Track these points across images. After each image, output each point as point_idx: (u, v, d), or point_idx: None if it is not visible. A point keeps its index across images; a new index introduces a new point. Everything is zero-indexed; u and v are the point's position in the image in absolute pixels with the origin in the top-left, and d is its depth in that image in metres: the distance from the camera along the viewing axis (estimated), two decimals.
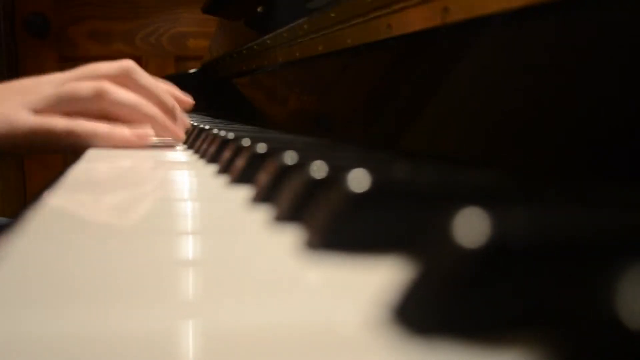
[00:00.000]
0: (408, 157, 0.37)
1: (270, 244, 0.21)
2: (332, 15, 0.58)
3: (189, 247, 0.20)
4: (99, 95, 0.56)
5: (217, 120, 0.99)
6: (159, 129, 0.60)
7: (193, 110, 1.26)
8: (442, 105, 0.38)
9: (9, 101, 0.55)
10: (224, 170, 0.38)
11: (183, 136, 0.63)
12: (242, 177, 0.34)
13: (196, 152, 0.55)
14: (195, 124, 0.71)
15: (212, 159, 0.45)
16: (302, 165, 0.25)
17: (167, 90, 0.64)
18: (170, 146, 0.63)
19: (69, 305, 0.14)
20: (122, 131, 0.56)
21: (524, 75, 0.31)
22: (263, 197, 0.27)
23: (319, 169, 0.23)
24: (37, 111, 0.55)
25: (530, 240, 0.13)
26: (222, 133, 0.48)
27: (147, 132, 0.57)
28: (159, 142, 0.65)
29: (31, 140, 0.55)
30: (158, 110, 0.59)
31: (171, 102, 0.62)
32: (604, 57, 0.26)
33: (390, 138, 0.44)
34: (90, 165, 0.44)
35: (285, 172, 0.27)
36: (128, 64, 0.59)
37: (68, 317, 0.13)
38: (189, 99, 0.68)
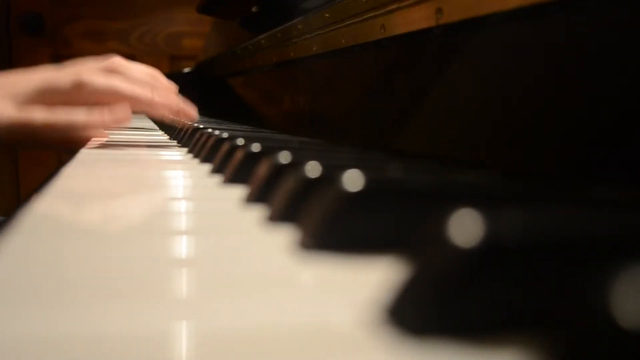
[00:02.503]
0: (402, 158, 0.37)
1: (265, 244, 0.20)
2: (327, 15, 0.58)
3: (182, 247, 0.20)
4: (78, 86, 0.56)
5: (211, 120, 0.99)
6: (147, 106, 0.59)
7: None
8: (436, 105, 0.38)
9: None
10: (218, 169, 0.38)
11: (179, 108, 0.62)
12: (236, 177, 0.33)
13: (190, 151, 0.55)
14: (190, 123, 0.71)
15: (207, 159, 0.45)
16: (296, 165, 0.25)
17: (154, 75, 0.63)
18: (164, 146, 0.62)
19: (64, 306, 0.14)
20: (100, 115, 0.56)
21: (517, 76, 0.31)
22: (257, 196, 0.27)
23: (313, 169, 0.23)
24: (19, 103, 0.55)
25: (524, 240, 0.13)
26: (217, 132, 0.48)
27: (125, 110, 0.56)
28: (154, 142, 0.65)
29: (12, 133, 0.55)
30: (140, 88, 0.59)
31: (160, 83, 0.62)
32: (599, 58, 0.26)
33: (384, 138, 0.44)
34: (84, 165, 0.43)
35: (279, 171, 0.27)
36: (114, 59, 0.59)
37: (62, 318, 0.13)
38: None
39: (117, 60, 0.60)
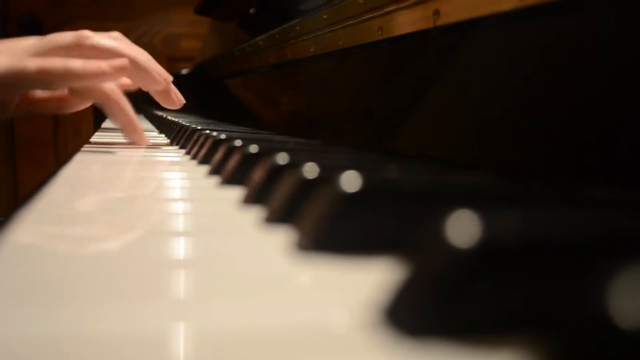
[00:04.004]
0: (399, 158, 0.37)
1: (262, 245, 0.20)
2: (324, 17, 0.58)
3: (180, 248, 0.20)
4: (79, 39, 0.54)
5: (209, 121, 0.99)
6: (144, 74, 0.57)
7: (185, 111, 1.25)
8: (434, 106, 0.38)
9: None
10: (216, 171, 0.38)
11: (172, 88, 0.61)
12: (233, 178, 0.33)
13: (188, 152, 0.55)
14: (187, 124, 0.71)
15: (204, 160, 0.45)
16: (293, 166, 0.25)
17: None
18: (162, 147, 0.62)
19: (61, 306, 0.14)
20: (97, 64, 0.53)
21: (514, 77, 0.31)
22: (255, 197, 0.27)
23: (310, 170, 0.23)
24: (15, 57, 0.53)
25: (521, 241, 0.13)
26: (214, 134, 0.48)
27: (124, 61, 0.54)
28: (151, 143, 0.64)
29: (5, 84, 0.52)
30: (141, 54, 0.57)
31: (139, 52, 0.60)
32: (596, 58, 0.26)
33: (382, 139, 0.44)
34: (82, 166, 0.43)
35: (277, 173, 0.27)
36: (83, 33, 0.57)
37: (60, 318, 0.13)
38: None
39: (91, 36, 0.57)
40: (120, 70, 0.54)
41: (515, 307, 0.13)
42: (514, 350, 0.12)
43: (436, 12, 0.38)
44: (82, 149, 0.54)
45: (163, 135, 0.84)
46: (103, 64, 0.53)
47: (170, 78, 0.62)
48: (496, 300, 0.13)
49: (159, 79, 0.59)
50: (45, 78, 0.52)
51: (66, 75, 0.53)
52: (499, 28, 0.33)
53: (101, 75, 0.53)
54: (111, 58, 0.54)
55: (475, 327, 0.12)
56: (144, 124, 1.12)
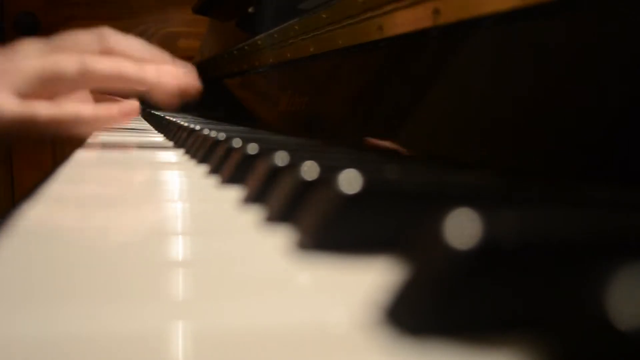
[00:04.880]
0: (399, 158, 0.37)
1: (262, 245, 0.20)
2: (324, 16, 0.58)
3: (179, 248, 0.20)
4: (84, 73, 0.53)
5: (207, 121, 0.99)
6: (153, 87, 0.55)
7: (184, 111, 1.25)
8: (433, 106, 0.38)
9: None
10: (215, 170, 0.38)
11: (186, 84, 0.58)
12: (233, 178, 0.33)
13: (187, 152, 0.55)
14: (186, 124, 0.71)
15: (203, 160, 0.45)
16: (293, 166, 0.25)
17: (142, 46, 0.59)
18: (161, 147, 0.62)
19: (60, 306, 0.14)
20: (108, 111, 0.53)
21: (514, 76, 0.31)
22: (254, 197, 0.27)
23: (310, 170, 0.23)
24: (21, 94, 0.51)
25: (521, 241, 0.13)
26: (213, 134, 0.48)
27: (134, 106, 0.54)
28: (150, 143, 0.64)
29: (14, 127, 0.51)
30: (146, 71, 0.55)
31: (158, 54, 0.59)
32: (596, 58, 0.26)
33: (381, 139, 0.44)
34: (79, 166, 0.43)
35: (276, 172, 0.27)
36: (106, 32, 0.56)
37: (59, 318, 0.13)
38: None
39: (111, 35, 0.56)
40: (131, 114, 0.54)
41: (515, 307, 0.13)
42: (514, 350, 0.12)
43: (436, 11, 0.38)
44: (80, 149, 0.54)
45: (162, 135, 0.84)
46: (114, 110, 0.53)
47: (176, 71, 0.59)
48: (496, 300, 0.13)
49: (168, 88, 0.57)
50: (55, 126, 0.52)
51: (77, 123, 0.52)
52: (498, 27, 0.33)
53: (112, 121, 0.53)
54: (118, 83, 0.54)
55: (475, 327, 0.12)
56: (142, 123, 1.12)
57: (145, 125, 1.11)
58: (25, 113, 0.51)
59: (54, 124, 0.52)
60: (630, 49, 0.24)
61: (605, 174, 0.24)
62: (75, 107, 0.53)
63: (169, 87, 0.57)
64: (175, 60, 0.60)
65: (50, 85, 0.52)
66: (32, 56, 0.54)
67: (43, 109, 0.51)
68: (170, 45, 1.90)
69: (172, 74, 0.57)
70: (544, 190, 0.21)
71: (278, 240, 0.21)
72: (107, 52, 0.55)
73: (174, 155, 0.54)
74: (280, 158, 0.28)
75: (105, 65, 0.54)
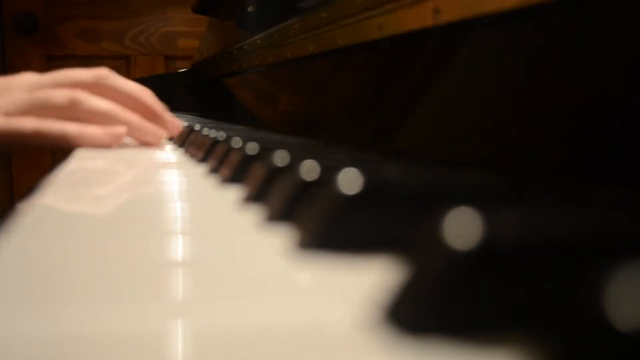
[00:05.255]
0: (399, 158, 0.37)
1: (261, 245, 0.20)
2: (323, 15, 0.58)
3: (179, 248, 0.20)
4: (73, 104, 0.55)
5: (207, 121, 0.99)
6: (139, 134, 0.59)
7: (183, 110, 1.25)
8: (433, 106, 0.38)
9: None
10: (215, 170, 0.38)
11: (167, 135, 0.62)
12: (232, 178, 0.33)
13: (186, 152, 0.55)
14: (186, 124, 0.71)
15: (203, 160, 0.45)
16: (293, 165, 0.25)
17: (147, 93, 0.62)
18: (160, 146, 0.62)
19: (59, 306, 0.14)
20: (94, 131, 0.55)
21: (515, 76, 0.31)
22: (254, 197, 0.27)
23: (309, 170, 0.23)
24: (8, 115, 0.53)
25: (521, 241, 0.13)
26: (213, 133, 0.48)
27: (120, 131, 0.56)
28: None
29: (1, 139, 0.53)
30: (135, 116, 0.58)
31: (152, 101, 0.61)
32: (597, 58, 0.26)
33: (382, 139, 0.44)
34: (79, 166, 0.43)
35: (276, 172, 0.27)
36: (102, 71, 0.58)
37: (58, 318, 0.13)
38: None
39: (108, 75, 0.58)
40: (117, 139, 0.55)
41: (515, 307, 0.13)
42: (514, 350, 0.12)
43: (436, 10, 0.38)
44: (79, 149, 0.53)
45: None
46: (100, 132, 0.55)
47: (175, 125, 0.63)
48: (496, 300, 0.13)
49: (152, 136, 0.60)
50: (41, 140, 0.54)
51: (62, 139, 0.54)
52: (499, 27, 0.33)
53: (97, 143, 0.54)
54: (105, 122, 0.56)
55: (474, 327, 0.12)
56: None
57: None
58: (11, 126, 0.53)
59: (39, 138, 0.54)
60: (631, 49, 0.24)
61: (605, 174, 0.24)
62: (60, 124, 0.54)
63: (152, 138, 0.60)
64: (162, 109, 0.63)
65: (38, 112, 0.54)
66: (27, 85, 0.56)
67: (28, 123, 0.53)
68: (170, 45, 1.90)
69: (151, 131, 0.60)
70: (544, 190, 0.21)
71: (278, 240, 0.21)
72: (101, 88, 0.57)
73: (173, 155, 0.54)
74: (280, 158, 0.28)
75: (95, 101, 0.56)
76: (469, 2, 0.34)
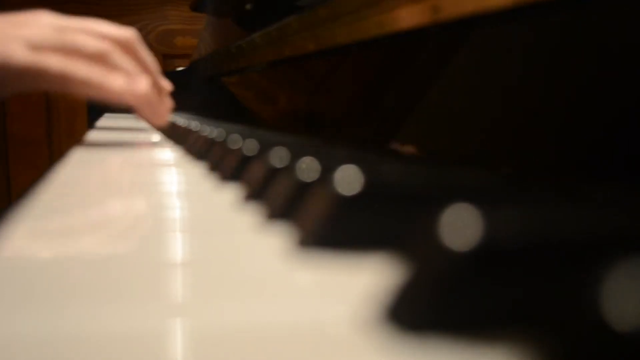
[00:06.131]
0: (399, 157, 0.37)
1: (260, 244, 0.20)
2: (322, 13, 0.58)
3: (177, 247, 0.20)
4: (102, 56, 0.52)
5: (206, 119, 0.99)
6: (148, 107, 0.56)
7: (181, 109, 1.25)
8: (434, 104, 0.38)
9: (4, 34, 0.51)
10: (213, 169, 0.38)
11: (164, 122, 0.61)
12: (231, 177, 0.33)
13: (185, 151, 0.54)
14: (184, 122, 0.71)
15: (201, 158, 0.45)
16: (292, 164, 0.25)
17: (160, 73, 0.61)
18: (158, 145, 0.62)
19: (58, 306, 0.14)
20: (117, 83, 0.52)
21: (515, 74, 0.31)
22: (252, 196, 0.27)
23: (309, 169, 0.23)
24: (35, 49, 0.50)
25: (520, 240, 0.13)
26: (211, 132, 0.48)
27: (143, 90, 0.53)
28: (147, 142, 0.64)
29: (23, 80, 0.50)
30: (152, 90, 0.56)
31: (164, 83, 0.61)
32: (598, 56, 0.26)
33: (381, 137, 0.44)
34: (76, 166, 0.43)
35: (274, 171, 0.27)
36: (132, 34, 0.56)
37: (57, 318, 0.13)
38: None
39: (136, 40, 0.56)
40: (137, 98, 0.53)
41: (515, 307, 0.13)
42: (513, 350, 0.12)
43: (436, 7, 0.38)
44: (76, 148, 0.53)
45: (159, 134, 0.83)
46: (123, 86, 0.52)
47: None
48: (495, 300, 0.13)
49: (159, 119, 0.58)
50: (65, 82, 0.51)
51: (85, 85, 0.51)
52: (499, 24, 0.33)
53: (117, 96, 0.52)
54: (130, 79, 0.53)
55: (474, 327, 0.12)
56: (140, 123, 1.11)
57: (143, 124, 1.11)
58: (36, 64, 0.50)
59: (63, 80, 0.51)
60: (631, 49, 0.24)
61: (605, 173, 0.24)
62: (87, 69, 0.51)
63: (150, 118, 0.58)
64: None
65: (66, 53, 0.52)
66: (55, 25, 0.53)
67: (55, 62, 0.50)
68: (167, 43, 1.90)
69: (159, 111, 0.58)
70: (544, 189, 0.21)
71: (277, 239, 0.21)
72: (128, 50, 0.55)
73: (171, 154, 0.54)
74: (279, 157, 0.28)
75: (124, 60, 0.54)
76: None
